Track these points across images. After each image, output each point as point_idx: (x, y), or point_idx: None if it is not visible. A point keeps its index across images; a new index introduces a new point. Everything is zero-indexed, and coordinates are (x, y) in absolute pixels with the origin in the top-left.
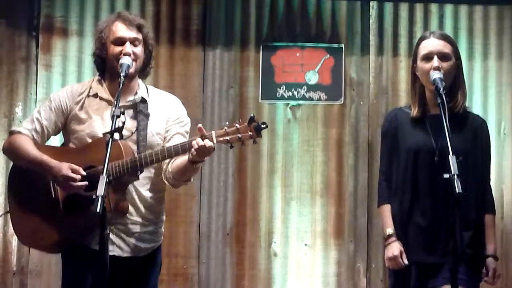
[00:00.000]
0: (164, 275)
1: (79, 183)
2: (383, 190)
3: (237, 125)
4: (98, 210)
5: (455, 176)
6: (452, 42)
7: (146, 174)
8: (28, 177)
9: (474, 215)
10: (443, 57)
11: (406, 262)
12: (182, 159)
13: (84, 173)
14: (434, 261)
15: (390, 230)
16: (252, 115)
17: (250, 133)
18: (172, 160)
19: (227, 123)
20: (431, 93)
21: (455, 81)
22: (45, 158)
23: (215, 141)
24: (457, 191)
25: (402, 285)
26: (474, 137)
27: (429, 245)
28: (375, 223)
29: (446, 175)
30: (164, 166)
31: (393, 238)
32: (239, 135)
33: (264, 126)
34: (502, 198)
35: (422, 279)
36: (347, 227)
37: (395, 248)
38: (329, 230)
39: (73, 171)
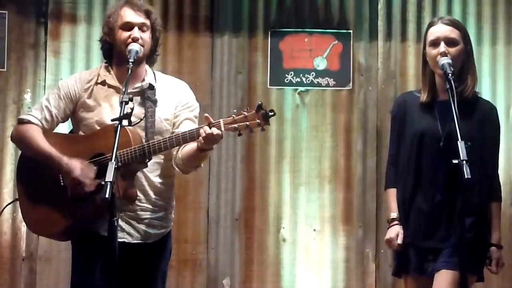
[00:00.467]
0: (173, 260)
1: (91, 186)
2: (390, 174)
3: (245, 112)
4: (107, 196)
5: (464, 162)
6: (460, 27)
7: (156, 160)
8: (36, 165)
9: (478, 201)
10: (450, 42)
11: (399, 242)
12: (192, 146)
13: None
14: (434, 246)
15: (394, 214)
16: (260, 102)
17: (258, 120)
18: (182, 147)
19: (235, 110)
20: (441, 78)
21: (464, 66)
22: (55, 153)
23: (223, 129)
24: (466, 177)
25: (403, 268)
26: (482, 123)
27: (430, 230)
28: (384, 209)
29: (455, 161)
30: (174, 153)
31: (395, 222)
32: (247, 123)
33: (272, 113)
34: (511, 184)
35: (421, 263)
36: (356, 212)
37: (392, 231)
38: (338, 216)
39: (85, 173)
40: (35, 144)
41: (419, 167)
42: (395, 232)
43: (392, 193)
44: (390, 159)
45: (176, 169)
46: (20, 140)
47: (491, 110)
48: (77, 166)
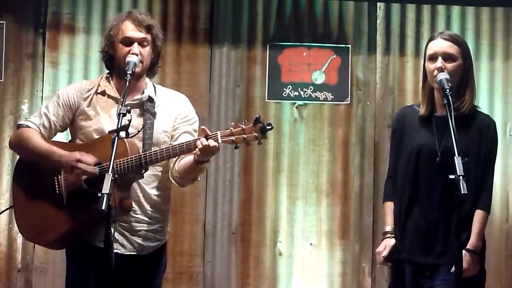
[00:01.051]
0: (169, 273)
1: (90, 169)
2: (388, 188)
3: (242, 125)
4: (103, 208)
5: (460, 177)
6: (459, 43)
7: (152, 172)
8: (32, 173)
9: (472, 215)
10: (447, 58)
11: (384, 255)
12: (188, 158)
13: (94, 160)
14: (430, 262)
15: (387, 228)
16: (257, 116)
17: (255, 134)
18: (179, 159)
19: (233, 123)
20: (439, 92)
21: (462, 82)
22: (55, 148)
23: (220, 141)
24: (462, 192)
25: (399, 284)
26: (479, 137)
27: (427, 245)
28: (381, 223)
29: (452, 176)
30: (171, 165)
31: (387, 236)
32: (244, 136)
33: (270, 127)
34: (508, 200)
35: (418, 279)
36: (353, 227)
37: (381, 244)
38: (335, 230)
39: (84, 158)
40: (34, 143)
41: (416, 181)
42: (384, 245)
43: (389, 206)
44: (388, 173)
45: (173, 182)
46: (18, 142)
47: (489, 125)
48: (76, 154)
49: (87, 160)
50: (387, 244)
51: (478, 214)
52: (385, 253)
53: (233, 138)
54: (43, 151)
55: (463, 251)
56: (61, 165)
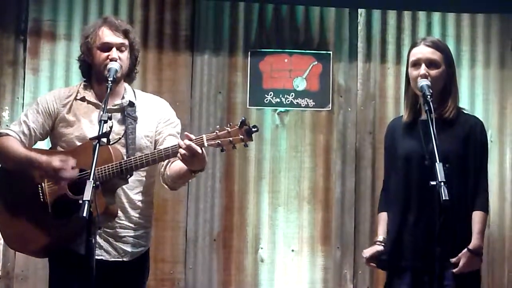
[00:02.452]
0: (151, 280)
1: (71, 172)
2: (382, 199)
3: (228, 128)
4: (84, 215)
5: (442, 184)
6: (442, 49)
7: (137, 177)
8: (15, 181)
9: (466, 219)
10: (430, 64)
11: (365, 256)
12: (182, 164)
13: (73, 163)
14: (428, 268)
15: (379, 237)
16: (243, 118)
17: (241, 136)
18: (169, 163)
19: (218, 126)
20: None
21: (445, 88)
22: (34, 154)
23: (206, 144)
24: (443, 198)
25: None
26: (466, 139)
27: (423, 251)
28: (362, 230)
29: (433, 182)
30: (161, 169)
31: (377, 244)
32: (230, 139)
33: (255, 129)
34: (488, 206)
35: (417, 285)
36: (334, 233)
37: (369, 248)
38: (316, 236)
39: (64, 162)
40: (13, 151)
41: (409, 188)
42: (369, 251)
43: (382, 217)
44: (383, 185)
45: (165, 186)
46: None
47: (475, 125)
48: (56, 158)
49: (67, 164)
50: (373, 248)
51: (477, 214)
52: (367, 254)
53: (219, 141)
54: (23, 159)
55: (465, 251)
56: (41, 171)
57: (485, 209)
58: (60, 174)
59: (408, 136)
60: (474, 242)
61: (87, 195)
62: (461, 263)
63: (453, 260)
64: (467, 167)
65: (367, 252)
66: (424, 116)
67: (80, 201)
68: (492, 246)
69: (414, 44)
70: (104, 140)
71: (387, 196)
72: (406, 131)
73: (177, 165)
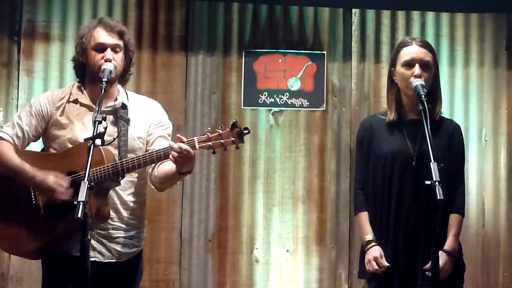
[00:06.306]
0: (145, 281)
1: (65, 194)
2: (360, 198)
3: (219, 130)
4: (79, 216)
5: (437, 183)
6: (432, 50)
7: (129, 178)
8: (7, 183)
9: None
10: (424, 65)
11: (386, 263)
12: (169, 165)
13: (68, 183)
14: (413, 267)
15: (369, 236)
16: (234, 120)
17: (232, 138)
18: (157, 165)
19: (209, 128)
20: (409, 98)
21: (433, 90)
22: (28, 167)
23: (197, 147)
24: (438, 198)
25: None
26: (449, 142)
27: (410, 252)
28: (357, 230)
29: (428, 182)
30: (149, 170)
31: (373, 244)
32: (222, 141)
33: (247, 131)
34: (483, 205)
35: (404, 286)
36: (329, 233)
37: (375, 250)
38: (311, 236)
39: (59, 182)
40: (7, 160)
41: (393, 189)
42: (378, 251)
43: (364, 216)
44: (357, 184)
45: (152, 186)
46: None
47: (456, 129)
48: (50, 176)
49: (62, 185)
50: (380, 251)
51: (454, 217)
52: (384, 261)
53: (210, 143)
54: (14, 168)
55: (440, 252)
56: (34, 186)
57: (462, 212)
58: (55, 196)
59: (392, 135)
60: (449, 244)
61: (82, 196)
62: (441, 266)
63: (426, 266)
64: (449, 170)
65: (382, 258)
66: (410, 117)
67: (75, 202)
68: (487, 246)
69: (404, 43)
70: (99, 141)
71: (366, 195)
72: (389, 130)
73: (164, 167)
